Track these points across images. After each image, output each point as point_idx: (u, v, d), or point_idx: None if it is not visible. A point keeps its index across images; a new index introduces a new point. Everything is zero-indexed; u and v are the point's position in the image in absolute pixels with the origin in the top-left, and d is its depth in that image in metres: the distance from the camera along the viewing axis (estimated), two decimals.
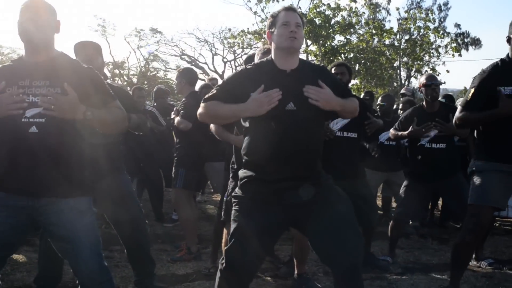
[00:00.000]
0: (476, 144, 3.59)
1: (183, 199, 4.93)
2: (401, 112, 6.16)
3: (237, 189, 2.92)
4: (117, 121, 2.77)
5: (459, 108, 3.52)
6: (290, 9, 2.85)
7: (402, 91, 8.46)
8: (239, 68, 2.99)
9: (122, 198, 3.69)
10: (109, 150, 3.61)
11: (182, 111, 4.84)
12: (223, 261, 2.84)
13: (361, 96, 7.80)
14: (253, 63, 2.95)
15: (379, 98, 6.79)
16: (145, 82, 28.83)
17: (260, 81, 2.75)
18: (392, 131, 4.90)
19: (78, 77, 2.62)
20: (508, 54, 3.46)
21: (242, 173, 2.90)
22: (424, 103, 4.69)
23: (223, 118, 2.88)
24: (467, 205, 3.53)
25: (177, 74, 5.15)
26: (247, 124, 2.85)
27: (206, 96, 2.87)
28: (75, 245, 2.62)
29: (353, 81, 19.45)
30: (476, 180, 3.52)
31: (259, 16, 18.63)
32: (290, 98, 2.73)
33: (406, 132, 4.65)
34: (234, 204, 2.88)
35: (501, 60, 3.47)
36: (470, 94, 3.44)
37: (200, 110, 2.85)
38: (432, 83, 4.57)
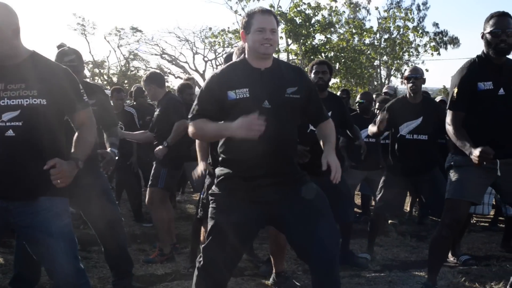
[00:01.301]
0: None
1: (157, 199, 4.86)
2: (377, 111, 6.19)
3: (213, 187, 2.93)
4: (91, 143, 2.76)
5: (448, 113, 3.53)
6: (266, 11, 2.82)
7: (384, 89, 8.53)
8: (212, 72, 3.00)
9: (99, 196, 3.67)
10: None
11: (174, 116, 4.75)
12: (201, 259, 2.84)
13: (338, 94, 7.88)
14: (226, 64, 2.96)
15: (358, 96, 6.84)
16: (126, 81, 28.64)
17: (235, 79, 2.77)
18: (370, 127, 4.91)
19: (54, 78, 2.58)
20: (483, 50, 3.52)
21: (218, 170, 2.91)
22: (407, 94, 4.75)
23: (210, 137, 2.86)
24: (445, 199, 3.58)
25: (144, 83, 5.00)
26: (222, 122, 2.85)
27: (192, 114, 2.84)
28: (50, 248, 2.58)
29: (333, 80, 19.55)
30: (454, 175, 3.57)
31: (240, 15, 18.64)
32: (265, 96, 2.76)
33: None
34: (211, 201, 2.89)
35: (477, 56, 3.55)
36: (455, 94, 3.49)
37: (190, 129, 2.83)
38: (412, 76, 4.63)
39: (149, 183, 4.93)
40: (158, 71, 6.02)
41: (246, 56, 2.88)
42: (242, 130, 2.55)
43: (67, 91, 2.61)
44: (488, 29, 3.43)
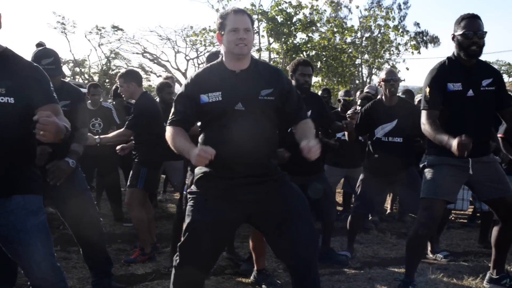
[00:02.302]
0: (428, 140, 3.68)
1: (137, 199, 4.81)
2: (359, 107, 6.21)
3: (192, 186, 2.94)
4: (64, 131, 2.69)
5: (423, 113, 3.56)
6: (239, 11, 2.81)
7: (366, 89, 8.54)
8: (189, 76, 3.02)
9: (76, 196, 3.62)
10: (62, 148, 3.51)
11: (128, 121, 4.72)
12: (177, 257, 2.84)
13: (319, 93, 7.89)
14: (204, 67, 2.98)
15: (340, 93, 6.88)
16: (107, 80, 28.43)
17: (209, 83, 2.80)
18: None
19: (24, 76, 2.54)
20: (453, 52, 3.56)
21: (197, 169, 2.92)
22: (383, 97, 4.78)
23: (176, 150, 2.84)
24: (420, 198, 3.62)
25: (123, 80, 4.86)
26: (199, 123, 2.90)
27: (170, 118, 2.88)
28: (26, 247, 2.55)
29: (315, 79, 19.62)
30: (428, 174, 3.62)
31: None
32: (238, 98, 2.77)
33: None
34: (189, 199, 2.90)
35: (448, 58, 3.60)
36: (427, 93, 3.53)
37: (166, 134, 2.86)
38: (391, 78, 4.66)
39: (128, 183, 4.88)
40: (135, 69, 5.95)
41: (223, 58, 2.88)
42: (193, 160, 2.61)
43: (36, 89, 2.55)
44: (460, 31, 3.46)
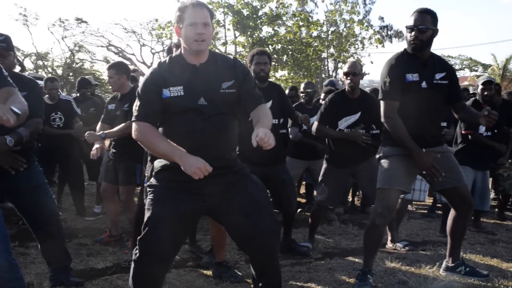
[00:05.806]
0: (383, 131, 3.73)
1: (133, 195, 5.02)
2: (322, 102, 6.26)
3: (151, 179, 2.91)
4: (25, 113, 2.64)
5: (383, 103, 3.58)
6: (198, 5, 2.75)
7: (325, 83, 8.62)
8: (150, 69, 2.95)
9: (33, 190, 3.55)
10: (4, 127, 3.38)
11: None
12: (137, 251, 2.81)
13: (286, 91, 7.86)
14: (164, 59, 2.94)
15: (302, 86, 6.87)
16: (71, 74, 27.93)
17: (170, 77, 2.76)
18: (317, 125, 4.84)
19: None
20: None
21: (157, 162, 2.89)
22: (346, 88, 4.80)
23: (157, 153, 2.75)
24: (376, 189, 3.68)
25: (115, 71, 4.85)
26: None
27: (137, 114, 2.75)
28: None
29: (281, 72, 19.71)
30: (384, 165, 3.67)
31: None
32: (200, 93, 2.75)
33: (341, 133, 4.75)
34: (148, 193, 2.86)
35: (405, 49, 3.64)
36: (388, 83, 3.54)
37: (136, 132, 2.74)
38: (351, 72, 4.69)
39: (123, 181, 4.90)
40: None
41: (182, 51, 2.85)
42: (190, 169, 2.57)
43: None
44: (406, 24, 3.53)
